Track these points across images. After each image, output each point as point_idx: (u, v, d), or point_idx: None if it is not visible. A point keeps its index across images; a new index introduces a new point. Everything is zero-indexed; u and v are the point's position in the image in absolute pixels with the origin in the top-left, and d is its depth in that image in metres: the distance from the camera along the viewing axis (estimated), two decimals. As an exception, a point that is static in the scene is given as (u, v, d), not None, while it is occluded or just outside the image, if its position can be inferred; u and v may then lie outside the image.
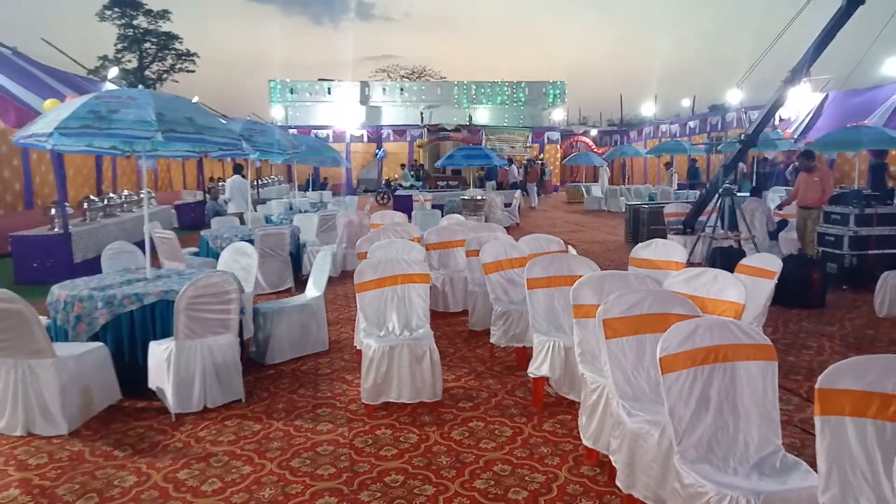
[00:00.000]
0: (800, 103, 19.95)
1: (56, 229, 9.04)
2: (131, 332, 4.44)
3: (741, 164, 19.06)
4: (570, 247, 5.85)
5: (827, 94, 20.10)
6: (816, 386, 2.23)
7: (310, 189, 20.08)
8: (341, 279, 8.95)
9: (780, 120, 19.91)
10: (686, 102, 37.29)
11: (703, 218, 9.72)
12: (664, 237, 9.65)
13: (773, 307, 5.53)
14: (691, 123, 28.25)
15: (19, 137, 4.75)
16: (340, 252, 9.38)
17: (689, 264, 5.27)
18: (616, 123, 46.29)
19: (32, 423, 3.85)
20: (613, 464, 3.08)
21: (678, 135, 28.22)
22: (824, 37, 8.41)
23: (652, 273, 4.95)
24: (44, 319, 4.10)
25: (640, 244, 5.53)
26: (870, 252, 8.11)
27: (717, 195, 9.12)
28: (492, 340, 5.25)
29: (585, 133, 38.31)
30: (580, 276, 3.99)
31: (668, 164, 22.55)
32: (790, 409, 4.18)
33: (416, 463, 3.49)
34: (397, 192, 20.16)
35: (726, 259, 7.35)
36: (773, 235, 9.91)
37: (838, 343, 5.82)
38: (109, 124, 4.28)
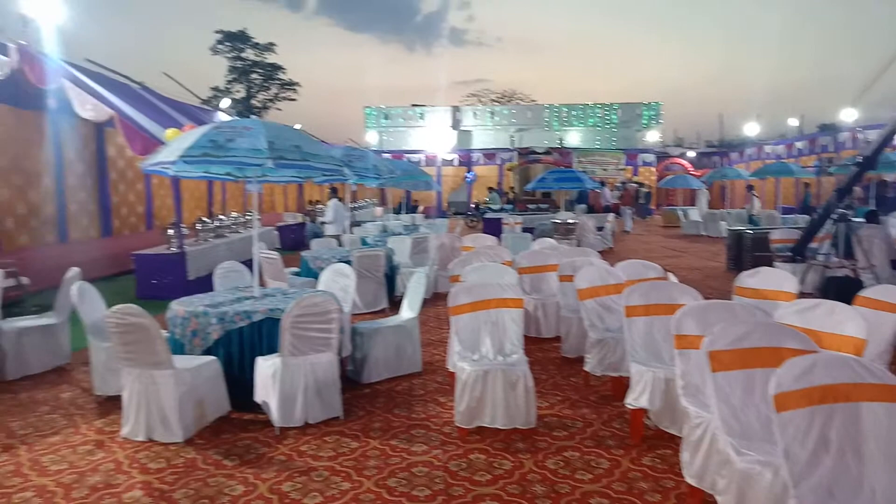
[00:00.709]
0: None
1: (173, 249, 9.75)
2: (240, 347, 4.71)
3: (855, 188, 17.77)
4: (670, 274, 5.67)
5: (957, 111, 18.43)
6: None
7: (402, 212, 20.59)
8: (433, 301, 9.08)
9: (902, 139, 18.44)
10: (793, 122, 35.23)
11: (814, 245, 9.12)
12: (769, 265, 9.14)
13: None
14: (799, 144, 26.73)
15: (147, 165, 5.20)
16: (432, 274, 9.52)
17: (801, 294, 4.96)
18: (715, 144, 44.44)
19: (153, 430, 4.15)
20: (720, 504, 2.93)
21: (784, 156, 26.76)
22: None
23: (759, 303, 4.72)
24: (163, 333, 4.43)
25: (745, 272, 5.27)
26: None
27: (830, 220, 8.55)
28: (586, 368, 5.15)
29: (682, 155, 37.04)
30: (681, 305, 3.85)
31: (750, 187, 21.00)
32: (920, 457, 3.82)
33: (511, 490, 3.47)
34: (487, 215, 20.26)
35: (842, 290, 6.84)
36: (896, 265, 9.14)
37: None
38: (226, 152, 4.61)
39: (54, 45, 10.23)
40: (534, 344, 6.51)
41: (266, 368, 4.37)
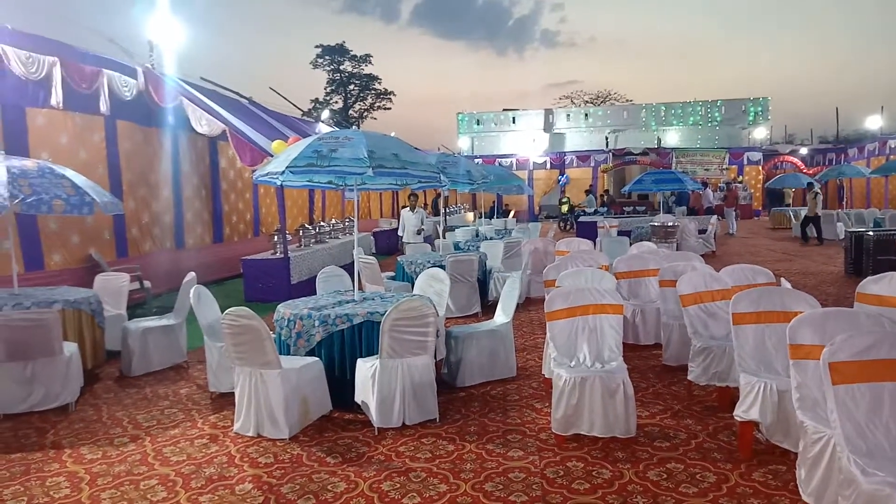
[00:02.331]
0: None
1: (278, 254, 10.27)
2: (341, 348, 4.89)
3: None
4: (782, 279, 5.33)
5: None
6: None
7: (494, 216, 20.61)
8: (526, 306, 9.02)
9: None
10: (922, 113, 32.15)
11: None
12: (895, 269, 8.39)
13: None
14: (929, 137, 24.35)
15: (258, 176, 5.50)
16: (525, 279, 9.46)
17: (934, 302, 4.51)
18: (831, 140, 41.35)
19: (261, 426, 4.38)
20: (843, 527, 2.72)
21: (911, 151, 24.48)
22: None
23: (886, 311, 4.34)
24: (271, 334, 4.66)
25: (869, 278, 4.85)
26: None
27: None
28: (690, 377, 4.93)
29: (793, 152, 34.70)
30: (797, 313, 3.63)
31: (811, 185, 18.53)
32: None
33: (611, 500, 3.38)
34: (581, 219, 19.89)
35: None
36: None
37: None
38: (330, 162, 4.80)
39: (174, 66, 11.11)
40: (632, 351, 6.31)
41: (366, 370, 4.50)
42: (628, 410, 4.07)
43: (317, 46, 49.13)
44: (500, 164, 29.45)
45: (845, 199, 25.43)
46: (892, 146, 26.50)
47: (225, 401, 5.07)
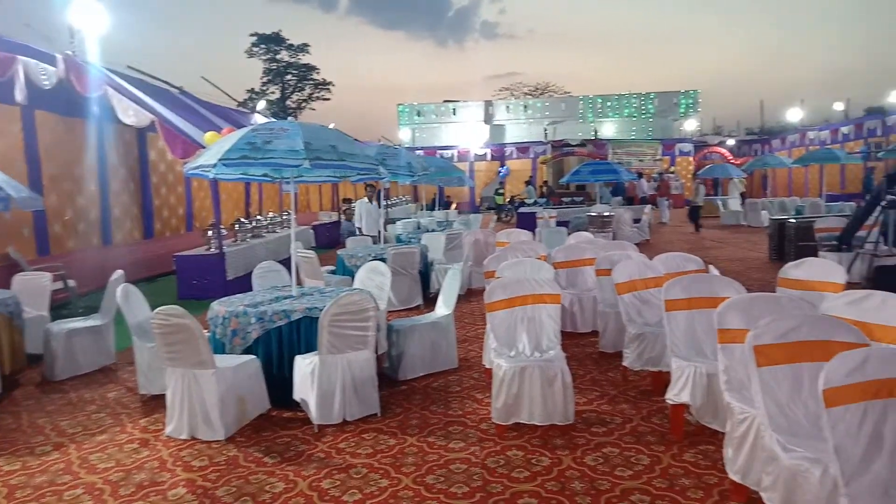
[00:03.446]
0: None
1: (212, 249, 9.95)
2: (279, 345, 4.78)
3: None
4: (711, 266, 5.53)
5: None
6: None
7: (435, 208, 20.62)
8: (468, 297, 9.07)
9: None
10: (838, 106, 34.10)
11: (861, 233, 8.81)
12: (814, 254, 8.87)
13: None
14: (844, 129, 25.86)
15: (189, 169, 5.30)
16: (466, 270, 9.50)
17: (848, 284, 4.78)
18: (756, 132, 43.30)
19: (195, 428, 4.24)
20: (765, 502, 2.85)
21: (829, 142, 25.92)
22: None
23: (805, 295, 4.56)
24: (205, 333, 4.51)
25: (790, 263, 5.10)
26: None
27: (879, 208, 8.24)
28: (625, 363, 5.07)
29: (721, 143, 36.17)
30: (724, 298, 3.75)
31: (696, 176, 19.65)
32: (981, 453, 3.65)
33: (550, 487, 3.44)
34: (521, 210, 20.15)
35: (891, 279, 6.62)
36: (950, 252, 8.76)
37: None
38: (264, 154, 4.67)
39: (97, 54, 10.54)
40: (570, 339, 6.44)
41: (304, 367, 4.42)
42: (566, 398, 4.14)
43: (252, 35, 47.81)
44: (441, 156, 29.51)
45: (769, 188, 26.68)
46: (811, 137, 28.00)
47: (156, 403, 4.88)
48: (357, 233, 11.14)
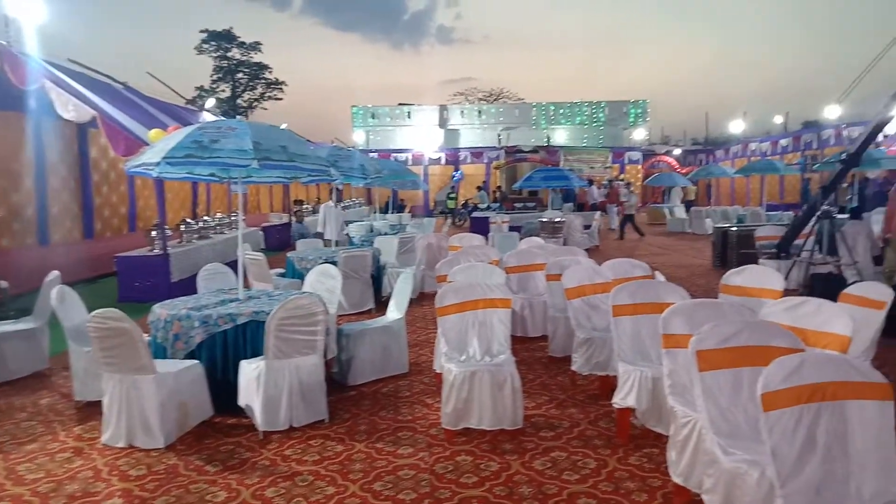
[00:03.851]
0: (906, 119, 18.61)
1: (156, 250, 9.63)
2: (224, 350, 4.64)
3: (843, 185, 17.94)
4: (657, 272, 5.66)
5: (938, 109, 18.66)
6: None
7: (389, 211, 20.53)
8: (420, 301, 9.03)
9: (885, 137, 18.66)
10: (778, 119, 35.60)
11: (799, 241, 9.18)
12: (755, 261, 9.19)
13: (882, 339, 5.12)
14: (783, 141, 26.97)
15: (130, 166, 5.11)
16: (419, 274, 9.48)
17: (786, 291, 4.97)
18: (701, 142, 44.75)
19: (133, 436, 4.07)
20: (707, 504, 2.91)
21: (769, 153, 26.98)
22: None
23: (746, 301, 4.72)
24: (145, 337, 4.35)
25: (732, 270, 5.27)
26: None
27: (814, 217, 8.61)
28: (573, 368, 5.13)
29: (668, 152, 37.24)
30: (669, 304, 3.84)
31: (629, 185, 20.36)
32: (906, 453, 3.83)
33: (498, 492, 3.44)
34: (474, 214, 20.26)
35: (826, 286, 6.89)
36: (879, 261, 9.21)
37: (959, 380, 5.30)
38: (211, 153, 4.54)
39: (35, 45, 10.08)
40: (521, 343, 6.49)
41: (250, 372, 4.31)
42: (516, 402, 4.16)
43: (202, 31, 46.67)
44: (395, 159, 29.39)
45: (713, 197, 27.58)
46: (753, 149, 29.10)
47: (92, 410, 4.67)
48: (322, 237, 10.72)
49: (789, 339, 3.12)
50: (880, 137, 17.81)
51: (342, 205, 21.24)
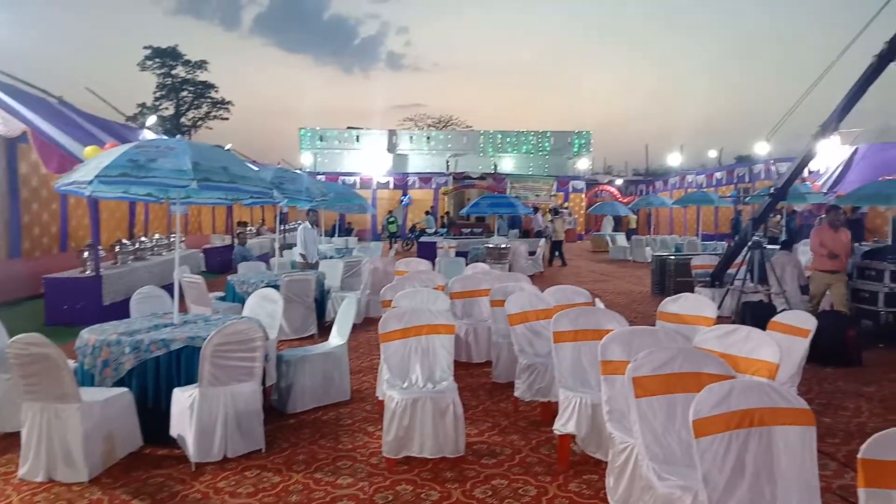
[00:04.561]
0: (830, 156, 19.81)
1: (88, 272, 9.22)
2: (156, 377, 4.45)
3: (775, 217, 18.96)
4: (597, 299, 5.78)
5: (857, 148, 19.93)
6: (860, 455, 2.13)
7: (335, 234, 20.33)
8: (365, 326, 8.93)
9: (810, 172, 19.76)
10: (713, 153, 37.27)
11: (731, 271, 9.56)
12: (691, 289, 9.51)
13: (807, 365, 5.36)
14: (718, 174, 28.16)
15: (61, 184, 4.90)
16: (364, 299, 9.39)
17: (719, 318, 5.15)
18: (642, 173, 46.33)
19: (54, 470, 3.84)
20: (643, 530, 2.95)
21: (704, 185, 28.13)
22: (855, 92, 8.37)
23: (681, 328, 4.87)
24: (71, 363, 4.13)
25: (668, 298, 5.44)
26: (907, 309, 7.87)
27: (745, 248, 9.00)
28: (516, 394, 5.15)
29: (611, 182, 38.38)
30: (608, 331, 3.92)
31: (557, 212, 20.99)
32: (828, 475, 3.99)
33: (438, 522, 3.39)
34: (421, 239, 20.29)
35: (756, 314, 7.19)
36: (806, 290, 9.68)
37: (877, 404, 5.59)
38: (147, 173, 4.40)
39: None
40: (465, 369, 6.48)
41: (183, 400, 4.14)
42: (458, 430, 4.13)
43: (146, 47, 45.59)
44: (343, 182, 29.24)
45: (653, 226, 28.49)
46: (690, 181, 30.29)
47: (10, 442, 4.37)
48: (300, 258, 10.39)
49: (720, 366, 3.23)
50: (806, 173, 18.90)
51: (283, 227, 20.93)
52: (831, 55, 8.70)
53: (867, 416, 5.23)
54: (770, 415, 2.63)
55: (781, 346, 3.80)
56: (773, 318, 4.75)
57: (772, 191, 9.63)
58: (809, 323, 4.50)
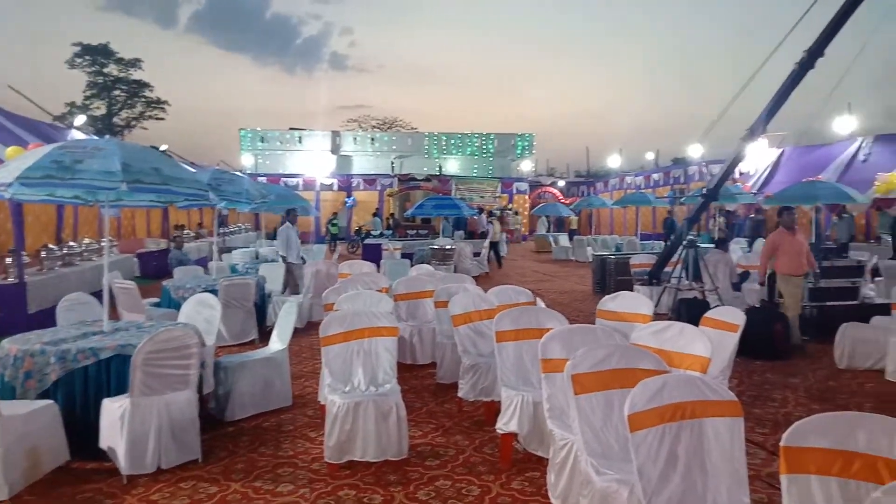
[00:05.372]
0: (758, 158, 20.75)
1: (10, 279, 8.74)
2: (84, 388, 4.25)
3: (720, 218, 19.79)
4: (538, 299, 5.86)
5: (783, 150, 20.95)
6: (781, 444, 2.23)
7: (277, 237, 19.94)
8: (308, 330, 8.78)
9: (741, 174, 20.65)
10: (650, 155, 38.43)
11: (668, 269, 9.88)
12: (630, 288, 9.78)
13: (738, 359, 5.58)
14: (655, 176, 29.08)
15: (-24, 187, 4.61)
16: (307, 302, 9.24)
17: (656, 315, 5.31)
18: (583, 175, 47.34)
19: (-29, 488, 3.62)
20: (583, 524, 3.00)
21: (643, 186, 28.98)
22: (779, 97, 8.80)
23: (619, 326, 4.99)
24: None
25: (607, 296, 5.57)
26: (829, 304, 8.30)
27: (681, 247, 9.31)
28: (460, 394, 5.17)
29: (553, 184, 39.06)
30: (549, 329, 3.98)
31: (492, 214, 22.00)
32: (757, 464, 4.17)
33: (381, 526, 3.36)
34: (366, 241, 20.13)
35: (691, 310, 7.44)
36: (737, 287, 10.09)
37: (802, 395, 5.88)
38: (73, 174, 4.21)
39: None
40: (409, 371, 6.46)
41: (113, 410, 3.97)
42: (401, 432, 4.11)
43: (75, 44, 43.57)
44: (286, 184, 28.73)
45: (594, 226, 29.19)
46: (629, 182, 31.16)
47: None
48: (281, 261, 10.10)
49: (655, 361, 3.32)
50: (737, 174, 19.73)
51: (223, 230, 20.42)
52: (761, 62, 9.12)
53: (793, 406, 5.49)
54: (701, 407, 2.72)
55: (713, 341, 3.94)
56: (706, 314, 4.92)
57: (704, 191, 10.01)
58: (738, 318, 4.68)
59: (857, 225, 15.88)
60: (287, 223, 10.37)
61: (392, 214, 28.60)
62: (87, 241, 12.96)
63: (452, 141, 37.99)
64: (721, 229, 19.98)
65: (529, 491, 3.77)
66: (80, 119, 18.88)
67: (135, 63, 45.19)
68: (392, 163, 35.88)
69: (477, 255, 16.93)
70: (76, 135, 15.14)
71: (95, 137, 15.46)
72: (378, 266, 10.73)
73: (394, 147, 37.60)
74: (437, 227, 21.30)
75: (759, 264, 8.70)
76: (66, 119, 31.06)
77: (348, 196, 32.39)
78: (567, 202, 32.87)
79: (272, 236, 20.55)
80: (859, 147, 17.57)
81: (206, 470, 4.08)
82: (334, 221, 26.52)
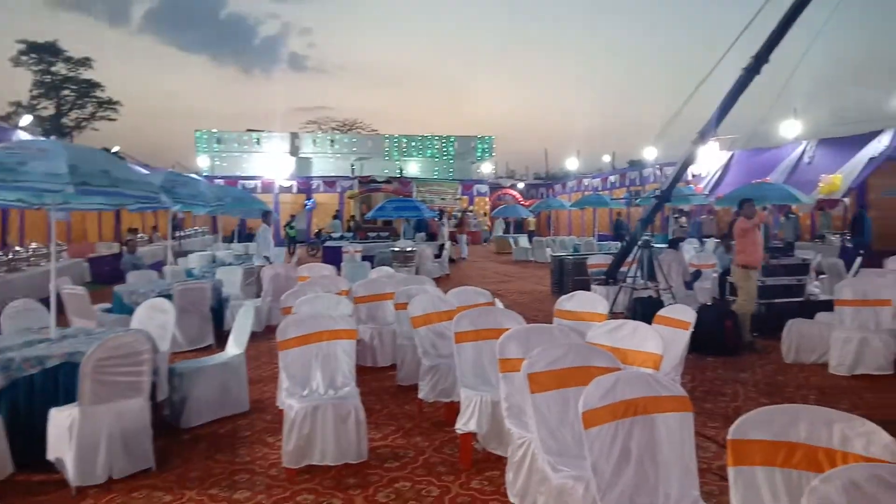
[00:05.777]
0: (710, 161, 21.37)
1: (-49, 285, 8.38)
2: (30, 398, 4.12)
3: (680, 218, 20.31)
4: (496, 300, 5.91)
5: (733, 153, 21.62)
6: (728, 437, 2.30)
7: (235, 240, 19.61)
8: (266, 334, 8.66)
9: (693, 176, 21.22)
10: (606, 158, 39.17)
11: (624, 269, 10.08)
12: (588, 287, 9.94)
13: (690, 355, 5.75)
14: (612, 178, 29.63)
15: (-89, 190, 4.42)
16: (266, 306, 9.12)
17: (613, 314, 5.42)
18: (542, 177, 47.89)
19: None
20: (540, 521, 3.04)
21: (600, 188, 29.50)
22: (727, 101, 9.07)
23: (576, 325, 5.07)
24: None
25: (564, 296, 5.65)
26: (776, 301, 8.60)
27: (636, 247, 9.51)
28: (420, 396, 5.17)
29: (513, 186, 39.42)
30: (507, 330, 4.02)
31: (441, 215, 22.21)
32: (708, 457, 4.29)
33: (340, 530, 3.35)
34: (327, 244, 19.95)
35: (646, 308, 7.61)
36: (689, 286, 10.36)
37: (751, 389, 6.07)
38: (16, 177, 4.08)
39: None
40: (369, 374, 6.44)
41: (61, 420, 3.85)
42: (360, 435, 4.10)
43: (20, 42, 41.99)
44: (244, 186, 28.28)
45: (553, 228, 29.57)
46: (586, 184, 31.69)
47: None
48: (266, 262, 9.97)
49: (608, 359, 3.39)
50: (689, 177, 20.26)
51: (180, 234, 19.99)
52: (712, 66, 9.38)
53: (742, 401, 5.67)
54: (653, 403, 2.79)
55: (665, 338, 4.05)
56: (658, 312, 5.05)
57: (658, 193, 10.25)
58: (689, 316, 4.82)
59: (802, 225, 16.46)
60: (264, 225, 10.45)
61: (353, 217, 28.42)
62: (34, 245, 12.52)
63: (413, 143, 37.98)
64: (682, 226, 20.54)
65: (489, 490, 3.80)
66: (25, 119, 18.21)
67: (85, 62, 43.79)
68: (352, 165, 35.66)
69: (438, 256, 16.97)
70: (22, 135, 14.60)
71: (42, 138, 14.95)
72: (338, 269, 10.66)
73: (354, 149, 37.36)
74: (398, 229, 21.28)
75: (713, 262, 9.01)
76: (11, 119, 29.91)
77: (308, 198, 32.04)
78: (526, 204, 33.19)
79: (230, 239, 20.18)
80: (804, 150, 18.25)
81: (160, 479, 3.99)
82: (292, 224, 26.19)
